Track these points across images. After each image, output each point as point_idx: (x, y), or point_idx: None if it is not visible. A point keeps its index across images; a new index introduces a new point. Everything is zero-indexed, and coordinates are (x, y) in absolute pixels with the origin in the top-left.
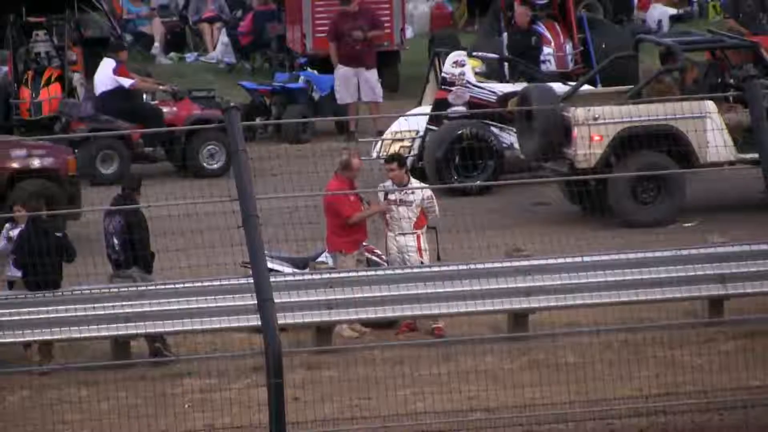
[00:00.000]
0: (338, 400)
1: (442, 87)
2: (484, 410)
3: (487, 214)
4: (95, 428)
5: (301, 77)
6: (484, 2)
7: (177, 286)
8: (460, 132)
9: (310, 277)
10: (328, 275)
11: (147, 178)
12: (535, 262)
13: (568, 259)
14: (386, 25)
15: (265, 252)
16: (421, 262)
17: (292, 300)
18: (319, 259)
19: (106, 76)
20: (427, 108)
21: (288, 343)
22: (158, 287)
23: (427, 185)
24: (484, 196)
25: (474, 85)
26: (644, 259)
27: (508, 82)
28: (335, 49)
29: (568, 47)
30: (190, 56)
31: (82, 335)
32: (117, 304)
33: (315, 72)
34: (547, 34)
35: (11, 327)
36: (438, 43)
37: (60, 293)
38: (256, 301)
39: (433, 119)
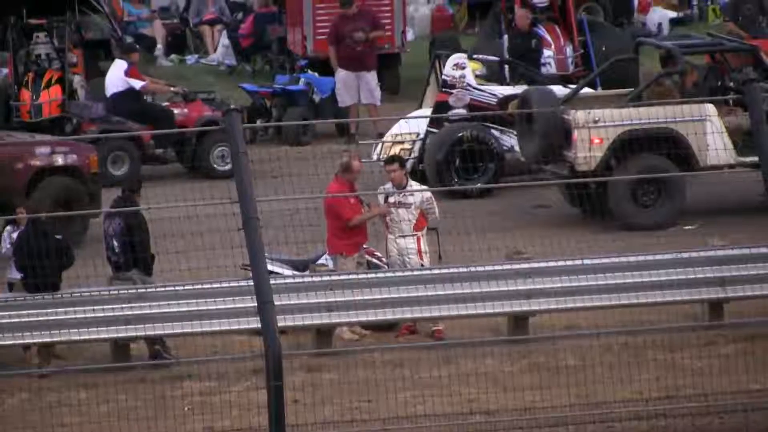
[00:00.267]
0: (338, 403)
1: (443, 89)
2: (484, 413)
3: (488, 216)
4: (95, 431)
5: (302, 79)
6: (484, 5)
7: (177, 288)
8: (460, 134)
9: (310, 279)
10: (328, 278)
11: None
12: (536, 265)
13: (569, 262)
14: (387, 27)
15: (266, 254)
16: (422, 265)
17: (292, 302)
18: (320, 262)
19: (117, 77)
20: (427, 110)
21: (288, 345)
22: (158, 290)
23: (426, 187)
24: (484, 198)
25: (474, 88)
26: (644, 262)
27: (508, 84)
28: (335, 52)
29: (569, 50)
30: (190, 58)
31: (82, 338)
32: (117, 306)
33: (316, 74)
34: (548, 37)
35: (11, 329)
36: (439, 45)
37: (59, 295)
38: (256, 304)
39: (434, 122)
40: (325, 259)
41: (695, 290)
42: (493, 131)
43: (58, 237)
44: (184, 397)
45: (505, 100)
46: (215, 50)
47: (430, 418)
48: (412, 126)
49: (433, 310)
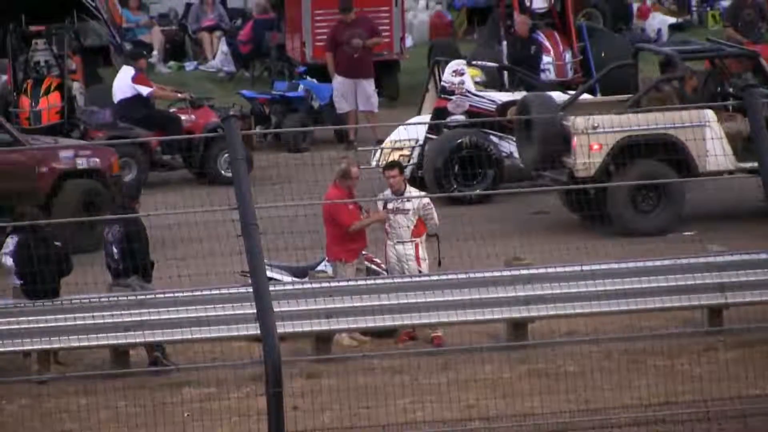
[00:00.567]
0: (337, 409)
1: (442, 96)
2: (484, 419)
3: (487, 222)
4: None
5: (301, 86)
6: (483, 11)
7: (176, 294)
8: (459, 141)
9: (309, 286)
10: (327, 284)
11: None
12: (535, 271)
13: (568, 268)
14: (386, 34)
15: (265, 261)
16: (419, 271)
17: (291, 309)
18: (319, 268)
19: (124, 83)
20: (426, 117)
21: (287, 352)
22: (157, 296)
23: (424, 193)
24: (483, 204)
25: (473, 94)
26: (644, 267)
27: (507, 90)
28: (332, 58)
29: (568, 56)
30: (189, 65)
31: (81, 344)
32: (116, 313)
33: (314, 81)
34: (547, 43)
35: (10, 336)
36: (437, 52)
37: (59, 302)
38: (255, 310)
39: (433, 128)
40: (325, 266)
41: (694, 296)
42: (492, 137)
43: (57, 243)
44: (183, 403)
45: (504, 107)
46: (214, 57)
47: (429, 424)
48: (411, 132)
49: (432, 317)
